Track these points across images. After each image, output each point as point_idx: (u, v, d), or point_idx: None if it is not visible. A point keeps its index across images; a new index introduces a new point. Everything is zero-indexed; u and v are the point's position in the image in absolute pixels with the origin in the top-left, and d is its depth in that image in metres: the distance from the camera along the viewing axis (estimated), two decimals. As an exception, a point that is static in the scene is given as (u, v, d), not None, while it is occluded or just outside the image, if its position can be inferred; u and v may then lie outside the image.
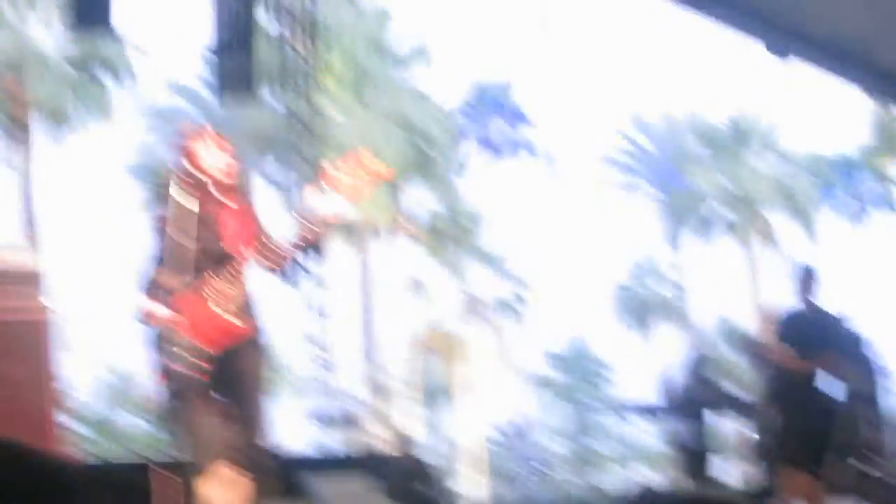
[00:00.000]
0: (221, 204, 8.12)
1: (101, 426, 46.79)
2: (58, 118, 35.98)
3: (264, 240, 8.24)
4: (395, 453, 19.15)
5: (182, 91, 41.77)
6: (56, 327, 10.87)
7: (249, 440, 8.05)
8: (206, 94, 36.18)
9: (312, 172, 17.62)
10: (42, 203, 35.73)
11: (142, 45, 36.98)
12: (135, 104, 38.94)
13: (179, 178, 8.08)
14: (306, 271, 16.95)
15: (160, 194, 8.09)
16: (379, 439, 30.30)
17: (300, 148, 18.48)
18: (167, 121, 41.06)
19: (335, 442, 17.85)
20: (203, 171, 8.02)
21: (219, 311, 7.96)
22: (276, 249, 8.17)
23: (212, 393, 7.85)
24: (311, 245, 8.67)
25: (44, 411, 10.16)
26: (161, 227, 8.11)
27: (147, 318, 7.88)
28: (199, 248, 7.87)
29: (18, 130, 35.50)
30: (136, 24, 40.01)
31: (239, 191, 8.46)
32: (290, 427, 25.12)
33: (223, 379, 7.93)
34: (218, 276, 8.01)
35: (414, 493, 16.19)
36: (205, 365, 7.81)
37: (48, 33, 35.29)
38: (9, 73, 34.96)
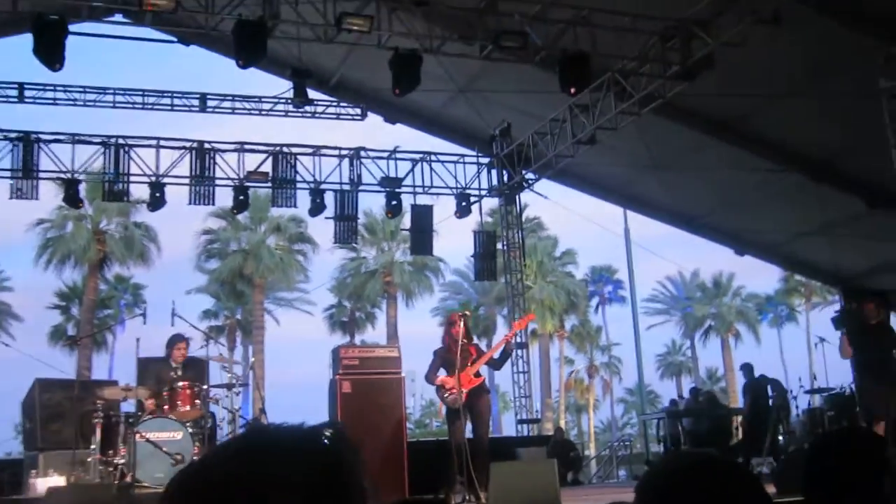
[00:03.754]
0: (467, 341, 8.74)
1: (421, 425, 49.72)
2: (408, 293, 37.01)
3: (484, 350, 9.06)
4: (557, 437, 18.53)
5: (460, 274, 43.19)
6: (403, 382, 11.41)
7: (481, 435, 8.68)
8: (471, 277, 37.17)
9: (519, 315, 16.97)
10: (403, 329, 36.45)
11: (443, 257, 37.56)
12: (438, 283, 39.20)
13: (450, 329, 8.83)
14: (514, 355, 15.61)
15: (455, 329, 8.69)
16: (549, 430, 30.50)
17: (517, 302, 17.63)
18: (453, 289, 43.88)
19: (529, 431, 16.69)
20: (458, 329, 8.69)
21: (467, 374, 8.68)
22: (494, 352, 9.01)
23: (462, 411, 8.46)
24: (516, 344, 10.48)
25: (400, 422, 10.01)
26: (438, 355, 8.88)
27: (436, 382, 8.73)
28: (460, 357, 8.49)
29: (390, 306, 36.41)
30: (440, 248, 41.90)
31: (471, 335, 9.09)
32: (510, 424, 24.18)
33: (470, 404, 8.56)
34: (467, 364, 8.75)
35: (564, 456, 15.97)
36: (459, 402, 8.47)
37: (404, 255, 35.86)
38: (384, 271, 36.10)
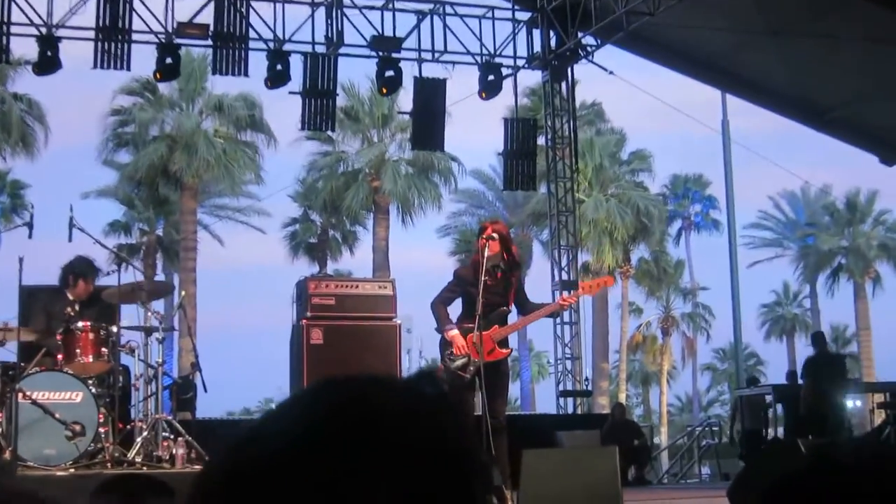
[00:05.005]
0: (498, 271, 8.51)
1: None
2: (405, 204, 36.24)
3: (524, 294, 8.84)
4: (616, 417, 18.52)
5: (482, 179, 43.30)
6: (398, 331, 11.71)
7: (496, 409, 8.55)
8: (498, 183, 36.20)
9: (573, 240, 17.92)
10: (396, 256, 36.51)
11: (456, 155, 36.33)
12: (448, 190, 38.09)
13: (477, 252, 8.56)
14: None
15: (468, 251, 10.16)
16: (603, 407, 31.35)
17: (563, 223, 17.94)
18: (471, 200, 43.67)
19: (576, 407, 17.13)
20: (485, 241, 8.38)
21: (490, 338, 8.53)
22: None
23: (469, 384, 8.37)
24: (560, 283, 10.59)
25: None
26: (459, 278, 8.81)
27: (444, 333, 8.64)
28: (483, 297, 8.30)
29: (378, 223, 36.51)
30: (454, 141, 41.20)
31: (510, 262, 8.67)
32: (547, 397, 26.80)
33: (487, 377, 8.42)
34: (491, 316, 8.53)
35: (625, 444, 15.36)
36: (469, 368, 8.39)
37: (400, 150, 35.95)
38: (372, 173, 36.06)
